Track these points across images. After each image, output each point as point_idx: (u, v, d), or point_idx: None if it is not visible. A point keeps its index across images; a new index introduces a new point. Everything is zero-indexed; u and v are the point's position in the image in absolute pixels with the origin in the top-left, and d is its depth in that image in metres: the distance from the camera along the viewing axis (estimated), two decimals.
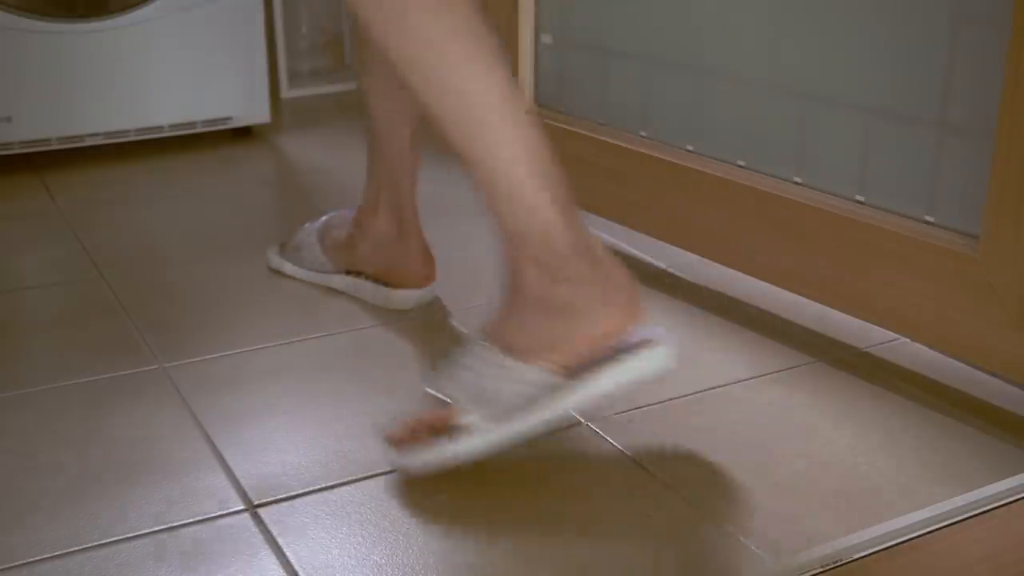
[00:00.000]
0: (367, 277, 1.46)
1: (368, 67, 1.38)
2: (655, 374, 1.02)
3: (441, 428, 1.02)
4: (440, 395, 1.03)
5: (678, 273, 1.55)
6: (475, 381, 1.02)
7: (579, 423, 1.17)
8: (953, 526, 1.00)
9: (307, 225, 1.55)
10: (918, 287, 1.19)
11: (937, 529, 1.00)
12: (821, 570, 0.95)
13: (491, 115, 1.00)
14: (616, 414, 1.18)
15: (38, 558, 0.96)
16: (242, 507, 1.03)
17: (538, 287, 1.01)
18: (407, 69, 0.98)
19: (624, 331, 1.01)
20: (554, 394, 1.00)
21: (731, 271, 1.44)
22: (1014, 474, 1.07)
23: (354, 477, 1.07)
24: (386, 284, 1.44)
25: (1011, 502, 1.04)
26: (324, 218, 1.54)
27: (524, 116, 1.02)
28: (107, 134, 2.03)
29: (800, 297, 1.34)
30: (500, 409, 1.00)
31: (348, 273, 1.48)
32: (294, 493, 1.05)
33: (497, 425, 1.00)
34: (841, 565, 0.95)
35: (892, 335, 1.32)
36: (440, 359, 1.16)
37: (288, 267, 1.54)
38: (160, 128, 2.06)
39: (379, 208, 1.43)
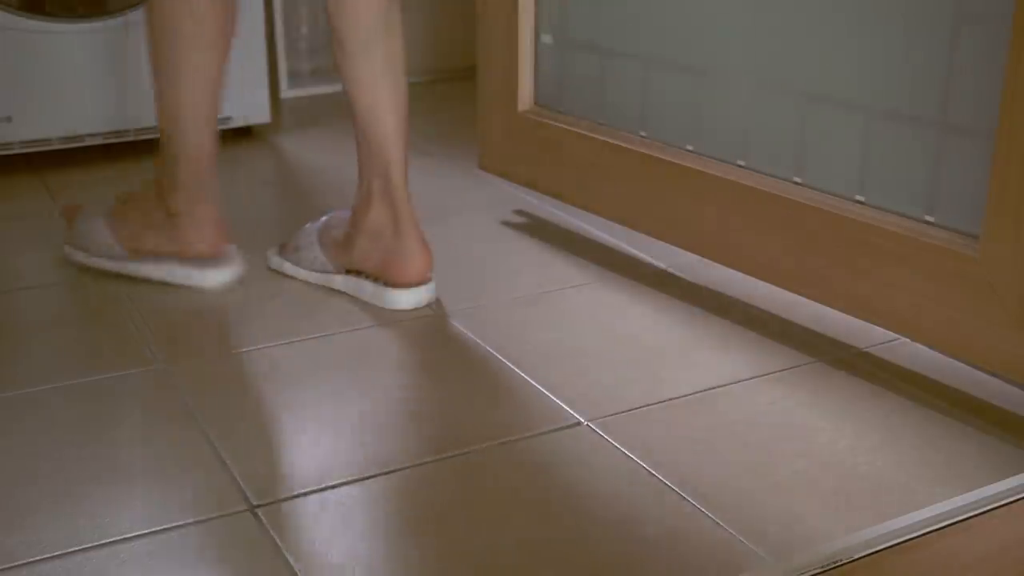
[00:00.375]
0: (367, 276, 1.46)
1: (347, 59, 1.40)
2: (195, 283, 1.49)
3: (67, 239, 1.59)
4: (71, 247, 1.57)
5: (678, 273, 1.55)
6: (81, 226, 1.57)
7: (579, 423, 1.17)
8: (953, 526, 1.00)
9: (307, 226, 1.55)
10: (918, 287, 1.19)
11: (937, 529, 1.00)
12: (821, 570, 0.95)
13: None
14: (616, 414, 1.18)
15: (38, 558, 0.96)
16: (242, 507, 1.03)
17: (168, 202, 1.48)
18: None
19: (194, 254, 1.49)
20: (120, 261, 1.53)
21: (731, 271, 1.44)
22: (1014, 474, 1.07)
23: (354, 477, 1.07)
24: (385, 283, 1.45)
25: (1011, 502, 1.04)
26: (324, 218, 1.54)
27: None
28: (107, 134, 2.03)
29: (800, 297, 1.34)
30: (92, 253, 1.55)
31: (348, 273, 1.48)
32: (294, 493, 1.05)
33: (87, 256, 1.55)
34: (841, 565, 0.95)
35: (892, 335, 1.32)
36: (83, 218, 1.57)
37: (288, 267, 1.54)
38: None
39: (372, 201, 1.44)
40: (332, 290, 1.49)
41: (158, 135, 1.48)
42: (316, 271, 1.51)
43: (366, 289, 1.46)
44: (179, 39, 1.40)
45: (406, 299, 1.44)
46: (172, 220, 1.48)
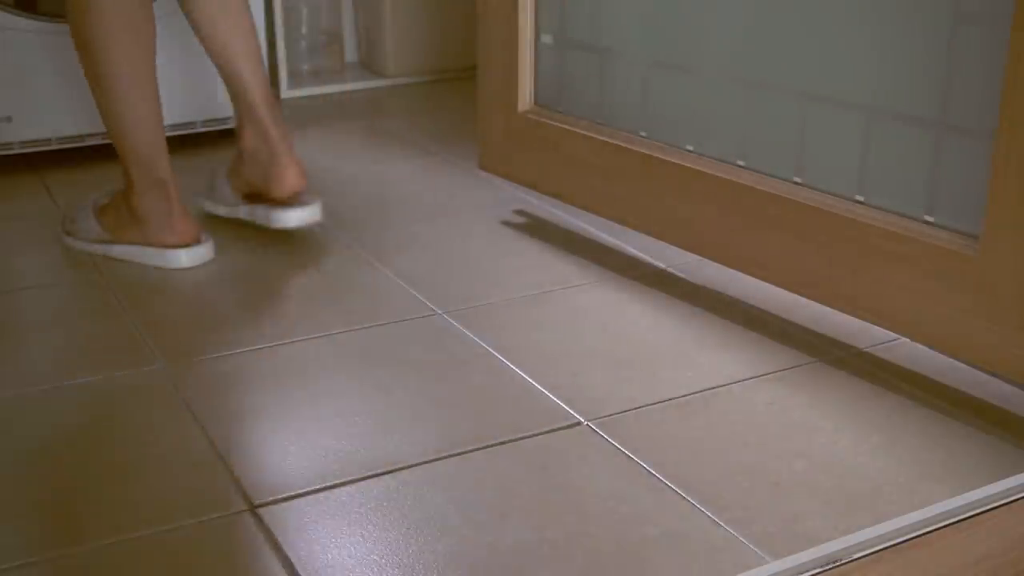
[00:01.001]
0: (260, 201, 1.65)
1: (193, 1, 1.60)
2: (167, 264, 1.57)
3: (63, 227, 1.66)
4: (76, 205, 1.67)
5: (678, 273, 1.55)
6: (76, 213, 1.65)
7: (579, 423, 1.17)
8: (953, 526, 1.00)
9: (218, 165, 1.75)
10: (918, 287, 1.19)
11: (937, 529, 1.00)
12: (821, 570, 0.95)
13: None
14: (616, 414, 1.18)
15: (38, 558, 0.96)
16: (242, 507, 1.03)
17: (131, 200, 1.57)
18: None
19: (166, 243, 1.57)
20: (103, 243, 1.61)
21: (731, 271, 1.44)
22: (1014, 474, 1.07)
23: (354, 477, 1.07)
24: (271, 204, 1.63)
25: (1011, 502, 1.04)
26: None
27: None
28: (107, 134, 2.02)
29: (800, 297, 1.34)
30: (79, 233, 1.63)
31: (247, 199, 1.68)
32: (294, 493, 1.05)
33: (74, 240, 1.63)
34: (841, 565, 0.95)
35: (892, 335, 1.32)
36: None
37: (208, 205, 1.74)
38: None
39: (243, 126, 1.63)
40: (332, 291, 1.49)
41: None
42: (228, 205, 1.70)
43: (259, 213, 1.64)
44: (112, 46, 1.49)
45: (287, 217, 1.62)
46: (138, 219, 1.57)
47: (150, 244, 1.57)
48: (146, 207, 1.55)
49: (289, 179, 1.62)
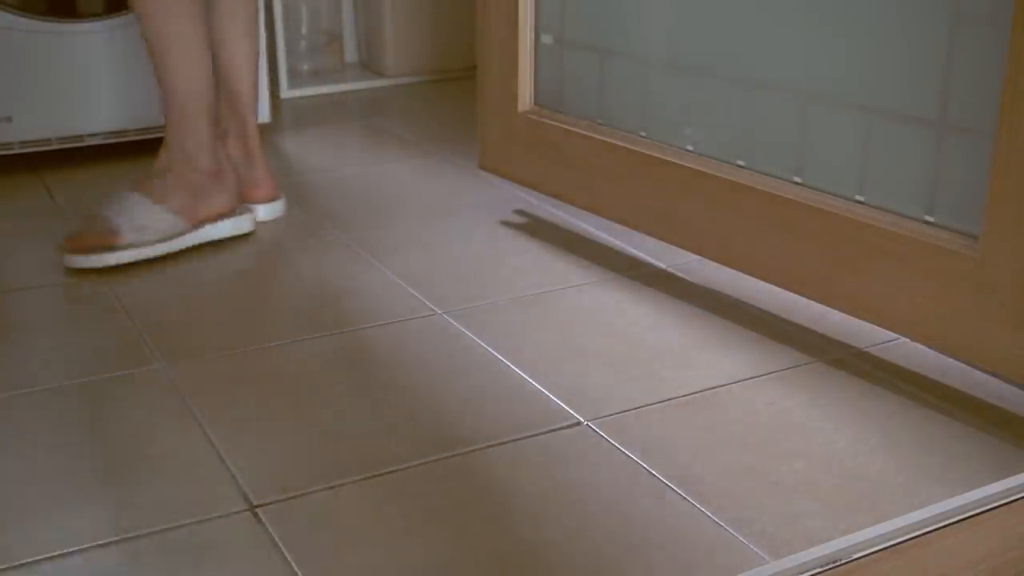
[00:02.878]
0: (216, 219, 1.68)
1: (218, 21, 1.66)
2: (239, 231, 1.67)
3: (105, 245, 1.55)
4: (109, 218, 1.56)
5: (678, 273, 1.55)
6: (135, 217, 1.58)
7: (579, 423, 1.17)
8: (953, 526, 1.00)
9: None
10: (918, 287, 1.19)
11: (937, 529, 1.00)
12: (821, 570, 0.95)
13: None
14: (616, 414, 1.18)
15: (38, 558, 0.96)
16: (242, 507, 1.03)
17: (186, 173, 1.63)
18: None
19: (230, 209, 1.67)
20: (182, 235, 1.62)
21: (731, 271, 1.44)
22: (1014, 474, 1.07)
23: (354, 477, 1.07)
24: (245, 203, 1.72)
25: (1011, 502, 1.04)
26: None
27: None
28: (107, 134, 2.03)
29: (800, 297, 1.34)
30: (147, 237, 1.58)
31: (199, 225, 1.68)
32: (294, 493, 1.05)
33: (141, 248, 1.57)
34: (841, 565, 0.95)
35: (891, 335, 1.32)
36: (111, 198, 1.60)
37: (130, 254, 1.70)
38: (160, 128, 2.04)
39: (228, 139, 1.72)
40: (332, 291, 1.49)
41: (160, 134, 1.57)
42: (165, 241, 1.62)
43: (222, 228, 1.67)
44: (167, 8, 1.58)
45: (264, 211, 1.74)
46: (221, 179, 1.66)
47: (234, 209, 1.66)
48: (232, 156, 1.69)
49: (267, 189, 1.75)
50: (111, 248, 1.55)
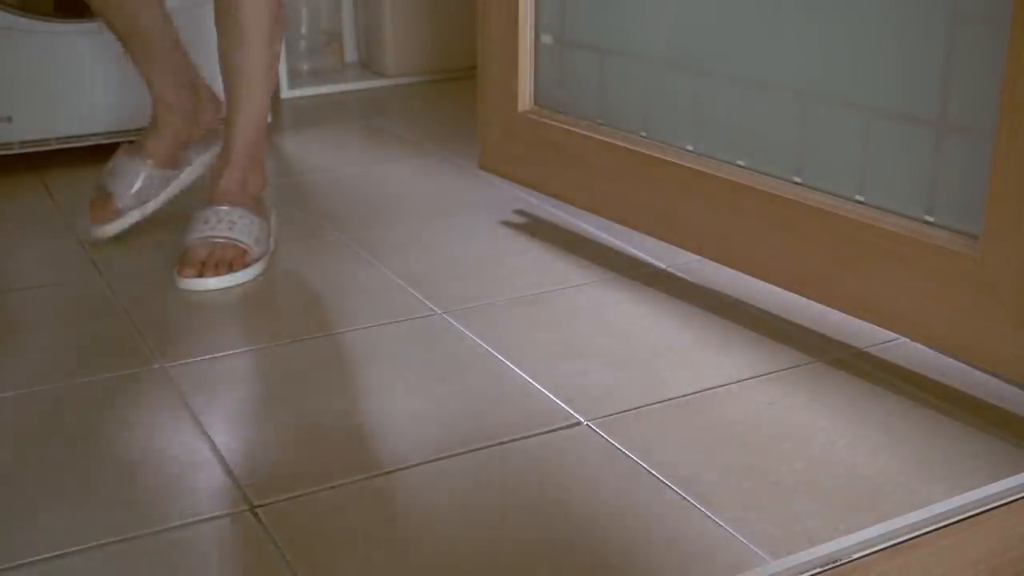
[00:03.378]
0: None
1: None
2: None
3: (234, 264, 1.53)
4: (242, 241, 1.54)
5: (678, 273, 1.55)
6: (252, 229, 1.56)
7: (579, 423, 1.17)
8: (953, 526, 1.00)
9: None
10: (918, 287, 1.19)
11: (937, 529, 1.00)
12: (821, 570, 0.95)
13: None
14: (616, 414, 1.18)
15: (38, 558, 0.96)
16: (242, 507, 1.03)
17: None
18: None
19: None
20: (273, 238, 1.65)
21: (731, 271, 1.44)
22: (1014, 474, 1.07)
23: (354, 477, 1.07)
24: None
25: (1011, 502, 1.04)
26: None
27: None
28: (107, 134, 2.03)
29: (800, 297, 1.34)
30: (264, 248, 1.59)
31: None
32: (294, 493, 1.05)
33: (262, 262, 1.57)
34: (841, 565, 0.95)
35: (891, 335, 1.32)
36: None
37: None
38: None
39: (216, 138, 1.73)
40: (332, 290, 1.49)
41: None
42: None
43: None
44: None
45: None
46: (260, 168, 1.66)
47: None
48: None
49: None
50: (245, 266, 1.54)
